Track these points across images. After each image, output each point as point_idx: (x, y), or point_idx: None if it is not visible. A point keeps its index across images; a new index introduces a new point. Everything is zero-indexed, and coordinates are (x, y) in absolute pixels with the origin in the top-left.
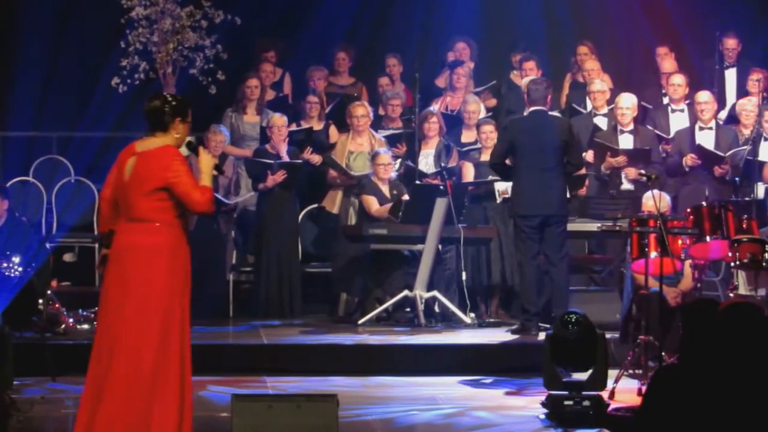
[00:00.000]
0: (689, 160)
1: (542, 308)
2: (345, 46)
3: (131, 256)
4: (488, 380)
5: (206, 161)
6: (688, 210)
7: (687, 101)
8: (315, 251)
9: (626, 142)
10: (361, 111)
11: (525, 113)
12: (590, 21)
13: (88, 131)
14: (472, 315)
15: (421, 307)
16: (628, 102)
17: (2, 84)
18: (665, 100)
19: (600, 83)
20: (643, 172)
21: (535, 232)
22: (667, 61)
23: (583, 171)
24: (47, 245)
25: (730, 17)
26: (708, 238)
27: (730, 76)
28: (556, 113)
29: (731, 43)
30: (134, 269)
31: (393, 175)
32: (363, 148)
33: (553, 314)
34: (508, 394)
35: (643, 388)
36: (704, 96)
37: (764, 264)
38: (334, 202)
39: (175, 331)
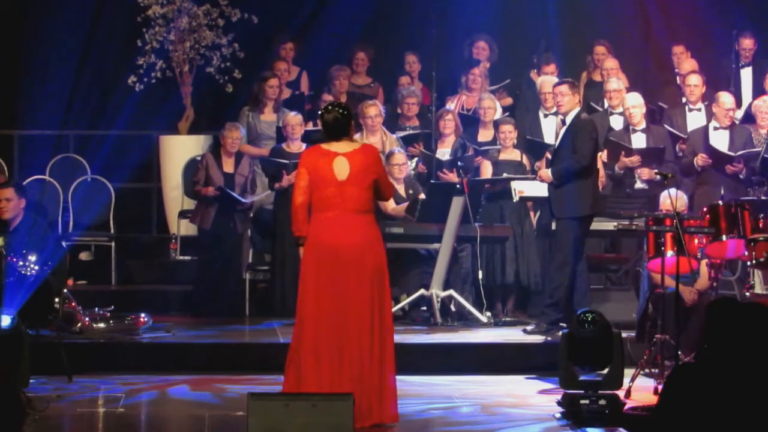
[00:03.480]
0: (700, 160)
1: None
2: (364, 46)
3: (370, 246)
4: (504, 379)
5: None
6: (705, 209)
7: (705, 101)
8: None
9: (639, 140)
10: (374, 111)
11: (575, 113)
12: (606, 20)
13: (104, 130)
14: (488, 314)
15: (437, 305)
16: (634, 101)
17: (19, 84)
18: (683, 100)
19: (616, 82)
20: (658, 171)
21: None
22: (684, 61)
23: (600, 170)
24: (64, 244)
25: (747, 15)
26: (724, 237)
27: (746, 75)
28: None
29: (747, 43)
30: (373, 255)
31: (411, 173)
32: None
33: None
34: (524, 392)
35: (660, 387)
36: (728, 102)
37: None
38: None
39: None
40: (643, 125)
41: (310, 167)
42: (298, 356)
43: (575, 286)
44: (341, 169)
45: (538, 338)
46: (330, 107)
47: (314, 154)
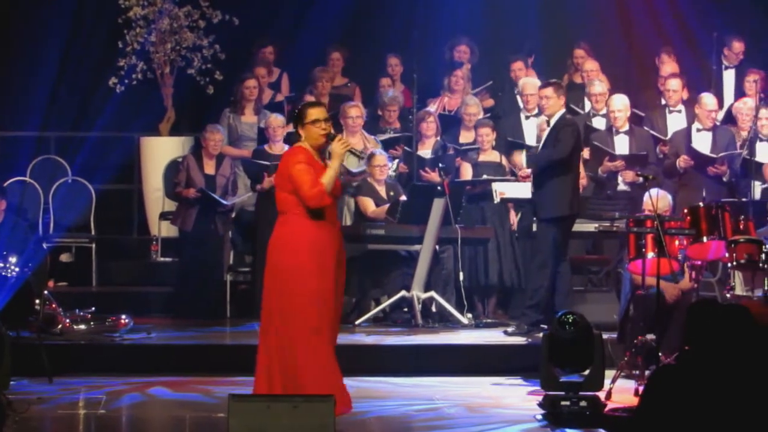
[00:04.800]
0: (682, 161)
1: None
2: (338, 47)
3: (273, 244)
4: (485, 380)
5: (336, 151)
6: (685, 210)
7: (686, 103)
8: None
9: (622, 143)
10: (355, 112)
11: (560, 115)
12: (588, 22)
13: (85, 131)
14: (469, 315)
15: (418, 307)
16: (619, 104)
17: (0, 85)
18: (663, 101)
19: (600, 86)
20: (640, 172)
21: (568, 233)
22: (667, 65)
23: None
24: (44, 245)
25: (729, 19)
26: (705, 239)
27: (729, 77)
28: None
29: (737, 47)
30: (275, 256)
31: (391, 173)
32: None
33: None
34: (504, 394)
35: (640, 389)
36: (711, 104)
37: (761, 264)
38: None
39: (307, 301)
40: (627, 127)
41: None
42: None
43: (557, 288)
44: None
45: (519, 340)
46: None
47: None
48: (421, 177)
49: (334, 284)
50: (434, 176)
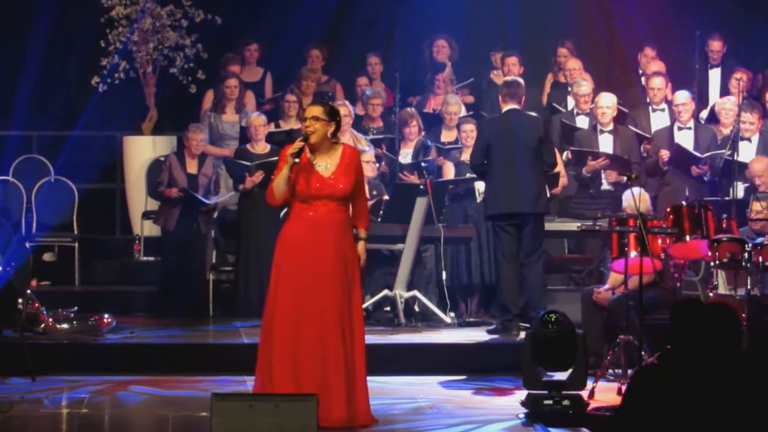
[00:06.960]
0: (664, 156)
1: (522, 308)
2: (317, 44)
3: None
4: (468, 379)
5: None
6: (668, 209)
7: (668, 101)
8: None
9: (606, 141)
10: (343, 111)
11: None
12: (571, 20)
13: (68, 130)
14: (452, 314)
15: (401, 306)
16: (608, 101)
17: None
18: (646, 100)
19: (586, 86)
20: (623, 171)
21: (510, 231)
22: (652, 63)
23: (561, 170)
24: (27, 245)
25: (716, 17)
26: (688, 238)
27: (714, 76)
28: (532, 113)
29: (716, 45)
30: None
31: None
32: None
33: (531, 315)
34: (487, 393)
35: (623, 388)
36: (682, 97)
37: (744, 264)
38: None
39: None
40: (611, 127)
41: None
42: None
43: (528, 285)
44: None
45: (500, 338)
46: None
47: None
48: (401, 180)
49: (300, 277)
50: (413, 180)
